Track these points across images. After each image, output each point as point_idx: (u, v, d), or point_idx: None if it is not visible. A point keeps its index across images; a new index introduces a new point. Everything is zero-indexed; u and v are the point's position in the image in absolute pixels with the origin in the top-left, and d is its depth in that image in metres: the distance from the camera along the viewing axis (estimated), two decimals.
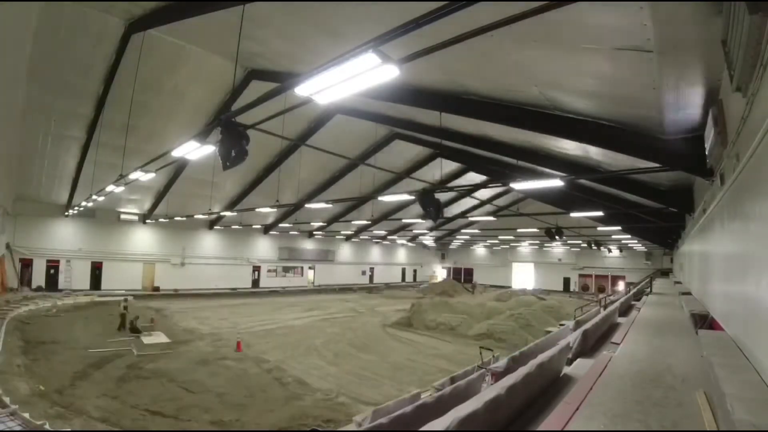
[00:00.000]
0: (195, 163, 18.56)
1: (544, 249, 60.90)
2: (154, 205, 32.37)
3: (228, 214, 29.97)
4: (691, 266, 17.22)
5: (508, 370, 6.83)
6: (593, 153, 13.49)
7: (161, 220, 32.71)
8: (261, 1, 9.23)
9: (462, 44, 4.04)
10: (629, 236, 35.74)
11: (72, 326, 21.00)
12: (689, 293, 15.41)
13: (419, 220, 32.57)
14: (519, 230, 37.11)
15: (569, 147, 13.80)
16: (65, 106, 18.90)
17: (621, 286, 49.63)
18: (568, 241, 46.61)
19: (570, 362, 8.45)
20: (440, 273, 73.17)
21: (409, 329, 26.47)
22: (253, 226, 40.94)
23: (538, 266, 63.05)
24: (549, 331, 15.98)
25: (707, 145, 7.15)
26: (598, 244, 41.50)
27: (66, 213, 29.94)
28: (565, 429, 4.04)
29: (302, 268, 49.50)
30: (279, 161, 27.63)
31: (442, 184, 28.91)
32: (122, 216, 33.31)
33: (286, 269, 47.63)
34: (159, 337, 19.79)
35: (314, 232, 47.75)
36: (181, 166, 25.13)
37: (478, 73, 10.57)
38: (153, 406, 11.84)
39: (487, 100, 11.57)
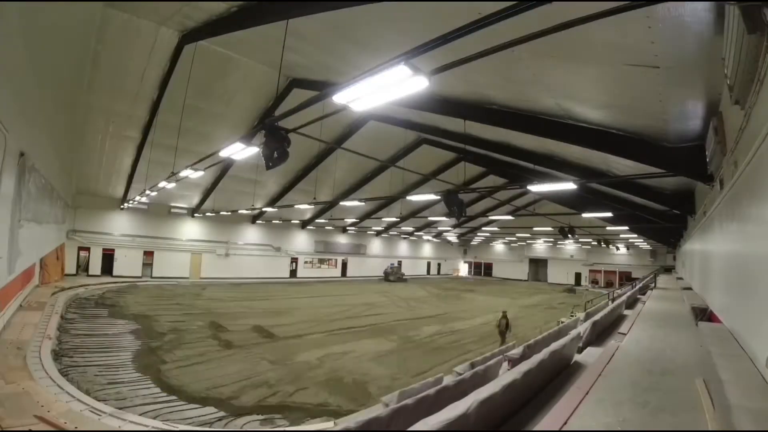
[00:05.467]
0: (240, 162, 18.95)
1: (558, 246, 60.96)
2: (202, 201, 32.97)
3: (269, 209, 30.42)
4: (692, 264, 17.16)
5: (524, 356, 6.84)
6: (603, 159, 13.43)
7: (208, 214, 33.33)
8: (302, 17, 9.37)
9: (485, 58, 4.10)
10: (635, 235, 35.82)
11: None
12: (690, 288, 15.25)
13: (444, 218, 32.54)
14: (535, 228, 37.23)
15: (581, 153, 13.76)
16: (123, 108, 19.27)
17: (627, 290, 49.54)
18: (580, 239, 46.52)
19: (581, 350, 8.45)
20: (462, 267, 73.31)
21: None
22: (292, 221, 41.37)
23: (552, 262, 63.16)
24: (561, 322, 15.86)
25: (708, 153, 7.23)
26: (607, 242, 41.62)
27: (121, 206, 30.88)
28: (576, 411, 4.08)
29: (336, 260, 49.91)
30: (317, 162, 27.92)
31: (465, 186, 28.80)
32: (172, 210, 34.18)
33: (321, 261, 48.04)
34: None
35: (348, 228, 48.10)
36: (227, 165, 25.57)
37: (499, 85, 10.63)
38: None
39: (508, 109, 11.64)
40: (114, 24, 13.96)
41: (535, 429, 3.98)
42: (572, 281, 58.92)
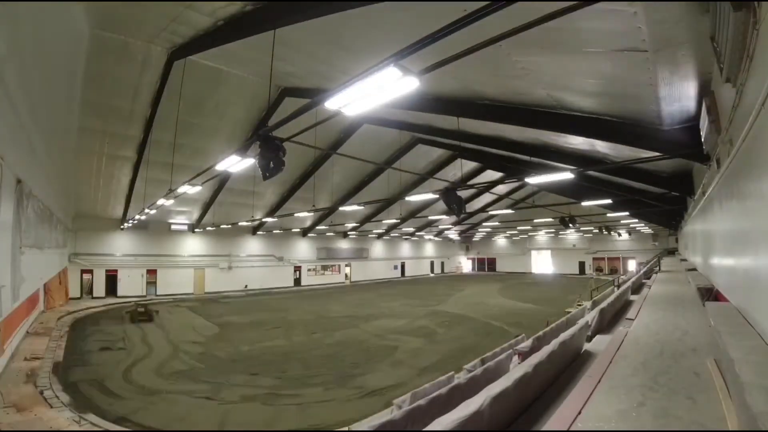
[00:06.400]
0: (237, 175, 19.00)
1: (560, 236, 61.20)
2: (202, 215, 32.98)
3: (269, 220, 30.45)
4: (695, 244, 17.01)
5: (533, 349, 6.80)
6: (599, 146, 13.43)
7: (208, 228, 33.38)
8: (289, 26, 9.39)
9: (474, 54, 4.10)
10: (637, 220, 35.84)
11: None
12: (695, 269, 15.15)
13: (444, 217, 32.60)
14: (535, 220, 37.60)
15: (577, 142, 13.77)
16: (116, 128, 19.20)
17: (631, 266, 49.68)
18: (581, 228, 46.70)
19: (590, 339, 8.40)
20: (465, 264, 73.32)
21: None
22: (293, 230, 41.32)
23: (555, 252, 63.41)
24: (568, 312, 15.83)
25: (703, 133, 7.20)
26: (609, 229, 41.87)
27: (121, 226, 30.88)
28: (589, 400, 4.07)
29: (339, 266, 49.92)
30: (313, 169, 27.93)
31: (463, 182, 28.79)
32: (173, 227, 34.27)
33: (324, 267, 48.06)
34: None
35: (348, 233, 48.14)
36: (224, 178, 25.62)
37: (489, 80, 10.65)
38: None
39: (499, 103, 11.68)
40: (102, 44, 13.90)
41: (550, 420, 3.97)
42: (576, 271, 59.10)
